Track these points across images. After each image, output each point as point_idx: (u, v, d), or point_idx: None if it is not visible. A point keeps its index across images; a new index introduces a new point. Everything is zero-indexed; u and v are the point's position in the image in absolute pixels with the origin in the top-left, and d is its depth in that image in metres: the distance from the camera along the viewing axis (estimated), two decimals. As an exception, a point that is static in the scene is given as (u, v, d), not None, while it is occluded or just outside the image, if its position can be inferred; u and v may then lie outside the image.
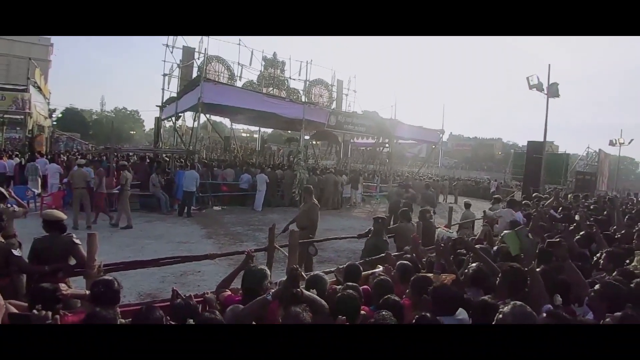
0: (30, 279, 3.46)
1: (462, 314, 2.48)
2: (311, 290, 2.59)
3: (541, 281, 2.70)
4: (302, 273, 3.56)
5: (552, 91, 16.39)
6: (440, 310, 2.41)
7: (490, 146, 75.76)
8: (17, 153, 15.72)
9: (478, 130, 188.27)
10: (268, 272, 2.85)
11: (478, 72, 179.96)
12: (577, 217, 6.95)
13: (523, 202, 9.55)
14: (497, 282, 2.84)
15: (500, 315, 2.00)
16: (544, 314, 2.11)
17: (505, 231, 3.88)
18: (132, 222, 9.52)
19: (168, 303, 2.70)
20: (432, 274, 2.93)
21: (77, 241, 3.62)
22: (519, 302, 2.06)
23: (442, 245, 3.40)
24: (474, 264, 3.34)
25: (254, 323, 2.30)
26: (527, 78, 16.30)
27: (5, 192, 4.42)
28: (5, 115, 20.44)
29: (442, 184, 22.25)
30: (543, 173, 17.13)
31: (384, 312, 2.27)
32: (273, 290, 2.42)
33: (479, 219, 8.65)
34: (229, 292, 2.85)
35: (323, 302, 2.42)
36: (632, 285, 2.54)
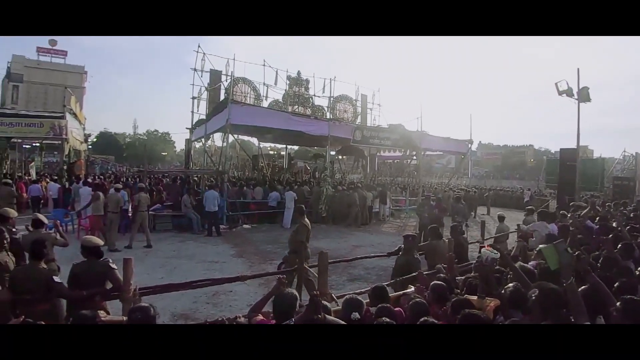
0: (69, 303, 3.61)
1: None
2: (353, 313, 2.58)
3: (580, 299, 2.58)
4: (333, 296, 3.57)
5: (583, 96, 15.82)
6: None
7: (522, 154, 73.78)
8: (56, 177, 16.53)
9: (508, 138, 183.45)
10: (297, 295, 2.86)
11: (505, 79, 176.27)
12: (614, 225, 6.65)
13: (560, 212, 9.18)
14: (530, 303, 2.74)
15: None
16: None
17: (541, 245, 3.73)
18: (151, 241, 9.78)
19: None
20: (475, 297, 2.84)
21: (114, 266, 3.77)
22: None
23: (486, 265, 3.29)
24: (511, 284, 3.23)
25: None
26: (556, 84, 15.81)
27: (44, 219, 4.66)
28: (43, 142, 21.59)
29: (473, 195, 21.72)
30: (578, 180, 16.45)
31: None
32: (295, 317, 2.42)
33: (513, 231, 8.38)
34: (261, 317, 2.87)
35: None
36: None
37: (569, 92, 15.76)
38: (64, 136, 17.55)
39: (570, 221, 7.95)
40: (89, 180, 15.74)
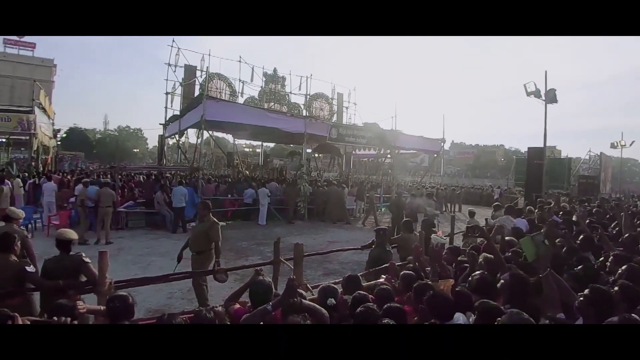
0: (43, 297, 3.55)
1: (460, 319, 2.54)
2: (329, 300, 2.69)
3: (556, 290, 2.75)
4: (308, 286, 3.67)
5: (550, 97, 16.44)
6: (437, 317, 2.49)
7: (493, 153, 75.94)
8: (27, 173, 15.93)
9: (480, 138, 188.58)
10: (272, 284, 2.95)
11: (478, 80, 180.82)
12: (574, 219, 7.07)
13: (527, 208, 9.60)
14: (498, 285, 2.92)
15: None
16: (544, 322, 2.19)
17: (523, 238, 3.94)
18: (110, 239, 9.75)
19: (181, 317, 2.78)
20: (431, 281, 3.01)
21: (87, 260, 3.71)
22: (516, 310, 2.13)
23: (436, 250, 3.47)
24: (478, 272, 3.41)
25: None
26: (525, 85, 16.37)
27: (19, 213, 4.56)
28: (10, 137, 20.78)
29: (445, 192, 22.29)
30: (545, 179, 17.12)
31: (386, 321, 2.35)
32: (272, 302, 2.51)
33: (482, 226, 8.69)
34: (238, 305, 2.94)
35: (323, 310, 2.51)
36: (617, 288, 2.58)
37: (536, 94, 16.33)
38: (32, 131, 16.97)
39: (537, 216, 8.39)
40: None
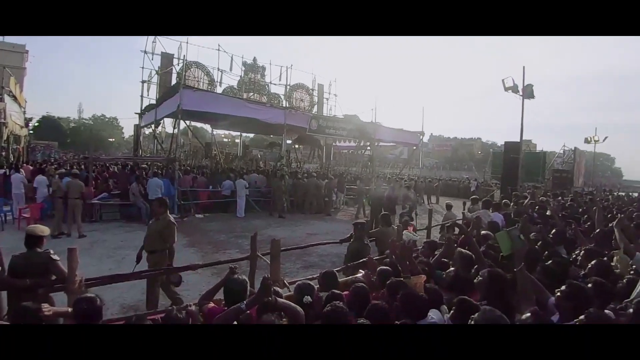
0: (10, 297, 3.40)
1: (435, 316, 2.55)
2: (305, 297, 2.67)
3: (530, 285, 2.79)
4: (285, 282, 3.64)
5: (527, 92, 16.78)
6: (410, 315, 2.49)
7: (470, 146, 77.28)
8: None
9: (458, 131, 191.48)
10: (248, 282, 2.90)
11: (457, 74, 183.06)
12: (548, 214, 7.25)
13: (503, 201, 9.79)
14: (475, 280, 2.95)
15: (472, 322, 2.09)
16: (525, 315, 2.22)
17: (499, 232, 3.99)
18: (74, 232, 9.44)
19: (152, 317, 2.70)
20: (403, 278, 3.02)
21: (55, 257, 3.57)
22: (489, 307, 2.15)
23: (407, 246, 3.47)
24: (452, 269, 3.44)
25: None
26: (503, 80, 16.65)
27: None
28: (-21, 126, 19.91)
29: (423, 184, 22.57)
30: (521, 172, 17.52)
31: (362, 320, 2.35)
32: (247, 300, 2.47)
33: (459, 219, 8.83)
34: (212, 304, 2.88)
35: (299, 308, 2.48)
36: (590, 285, 2.64)
37: (514, 89, 16.64)
38: (2, 120, 16.23)
39: (512, 210, 8.58)
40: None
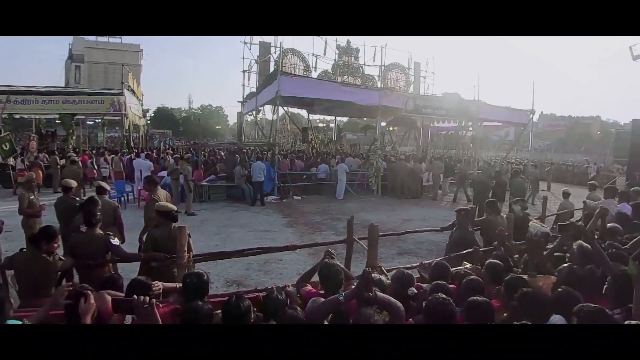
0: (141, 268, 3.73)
1: (558, 322, 2.19)
2: (410, 289, 2.54)
3: None
4: (383, 269, 3.48)
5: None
6: (529, 317, 2.16)
7: (587, 125, 68.05)
8: (125, 150, 17.63)
9: (573, 109, 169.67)
10: (340, 268, 2.81)
11: (570, 44, 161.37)
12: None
13: (632, 189, 8.26)
14: (605, 286, 2.48)
15: None
16: None
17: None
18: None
19: (254, 295, 2.78)
20: (527, 276, 2.64)
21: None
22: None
23: (535, 240, 3.03)
24: (566, 265, 2.95)
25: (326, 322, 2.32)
26: (630, 48, 14.18)
27: (107, 187, 4.96)
28: (105, 117, 23.17)
29: (536, 169, 20.38)
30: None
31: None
32: (346, 292, 2.37)
33: (578, 209, 7.74)
34: (310, 287, 2.86)
35: (399, 304, 2.30)
36: None
37: (645, 57, 14.09)
38: (123, 112, 18.68)
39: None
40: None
